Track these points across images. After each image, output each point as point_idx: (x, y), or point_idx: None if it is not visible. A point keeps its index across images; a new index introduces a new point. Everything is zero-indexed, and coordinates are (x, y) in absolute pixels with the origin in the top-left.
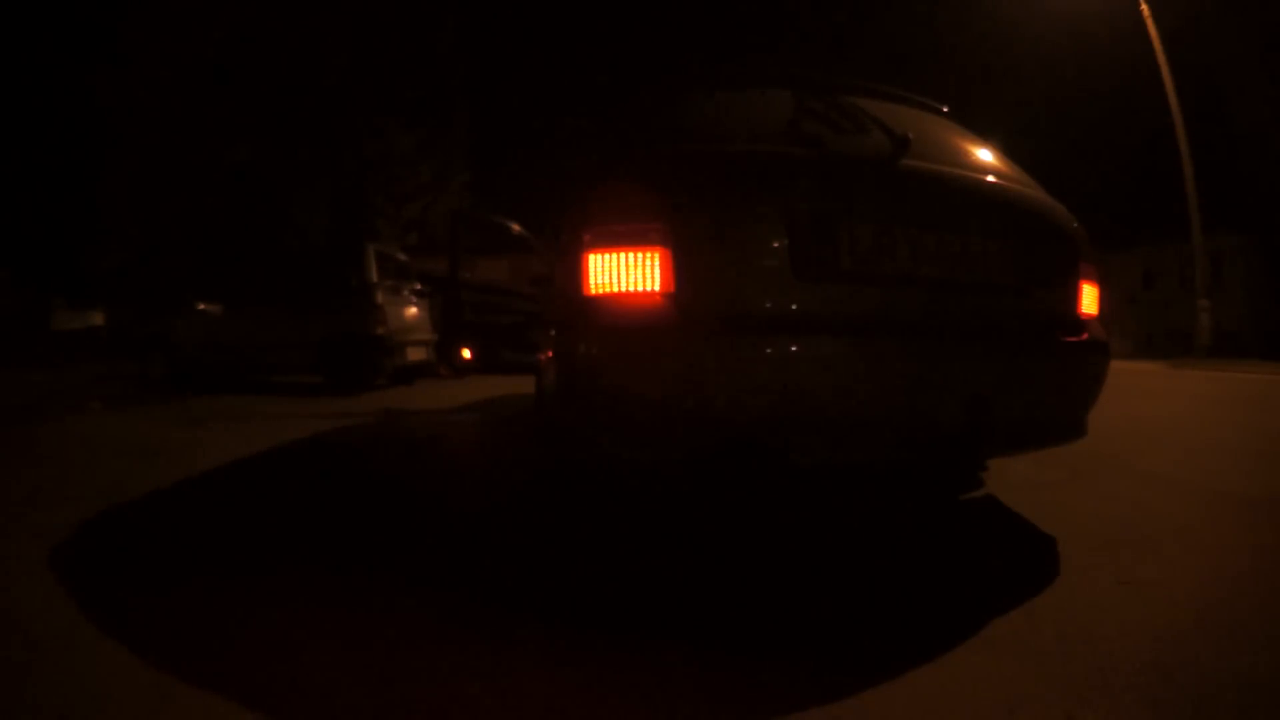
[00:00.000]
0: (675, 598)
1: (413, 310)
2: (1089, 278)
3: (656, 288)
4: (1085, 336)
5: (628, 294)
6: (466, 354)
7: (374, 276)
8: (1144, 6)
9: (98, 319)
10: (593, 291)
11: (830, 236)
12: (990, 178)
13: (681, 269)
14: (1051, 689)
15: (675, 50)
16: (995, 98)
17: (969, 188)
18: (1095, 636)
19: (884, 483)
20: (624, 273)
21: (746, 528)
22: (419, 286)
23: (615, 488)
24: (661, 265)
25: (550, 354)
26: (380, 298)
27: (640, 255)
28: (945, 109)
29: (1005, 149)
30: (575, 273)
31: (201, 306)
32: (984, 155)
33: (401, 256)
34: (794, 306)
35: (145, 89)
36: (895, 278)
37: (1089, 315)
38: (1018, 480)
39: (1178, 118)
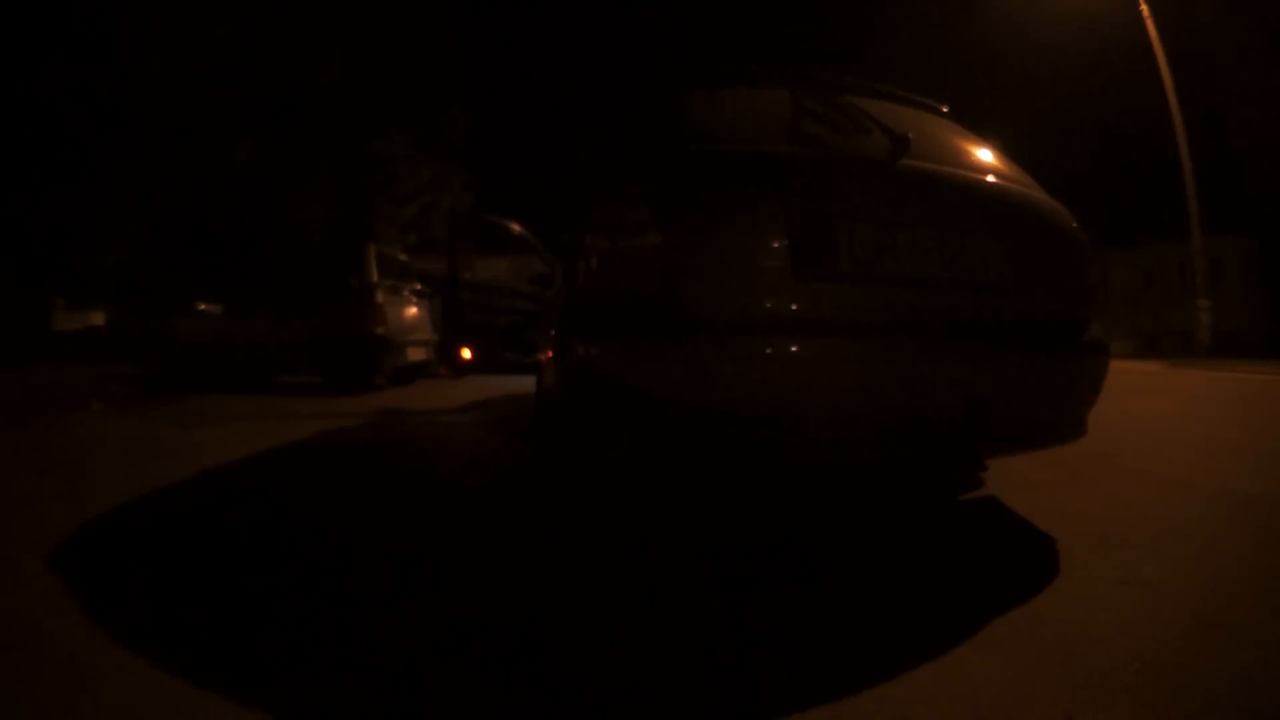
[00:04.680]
0: (674, 596)
1: (413, 310)
2: (1089, 278)
3: (657, 288)
4: (1085, 336)
5: (628, 294)
6: (466, 354)
7: (374, 276)
8: (1144, 6)
9: (98, 319)
10: (593, 292)
11: (830, 237)
12: (990, 178)
13: (682, 269)
14: (1051, 689)
15: (676, 51)
16: (995, 98)
17: (969, 188)
18: (1095, 636)
19: (884, 483)
20: (625, 273)
21: (746, 527)
22: (419, 286)
23: (614, 487)
24: (662, 265)
25: (550, 354)
26: (380, 298)
27: (641, 255)
28: (945, 109)
29: (1005, 149)
30: (576, 272)
31: (201, 306)
32: (984, 155)
33: (401, 256)
34: (794, 307)
35: (146, 89)
36: (895, 278)
37: (1088, 315)
38: (1018, 480)
39: (1178, 118)
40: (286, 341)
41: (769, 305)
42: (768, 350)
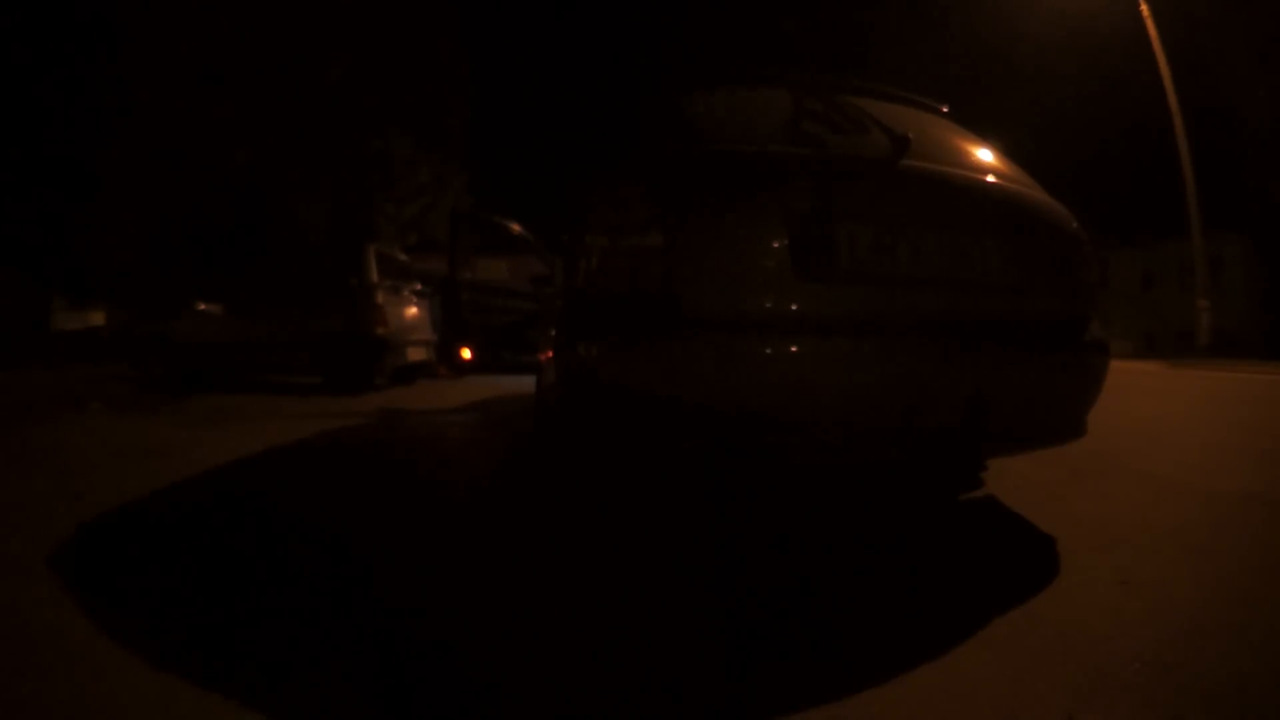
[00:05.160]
0: (674, 596)
1: (413, 310)
2: (1088, 278)
3: (657, 287)
4: (1084, 336)
5: (629, 294)
6: (466, 354)
7: (374, 276)
8: (1144, 6)
9: (98, 319)
10: (593, 291)
11: (830, 237)
12: (990, 178)
13: (681, 268)
14: (1051, 689)
15: (677, 51)
16: (995, 98)
17: (969, 188)
18: (1095, 636)
19: (884, 483)
20: (625, 272)
21: (746, 527)
22: (419, 286)
23: (615, 487)
24: (661, 265)
25: (550, 354)
26: (380, 298)
27: (641, 255)
28: (945, 109)
29: (1005, 149)
30: (576, 272)
31: (201, 306)
32: (984, 155)
33: (401, 256)
34: (794, 306)
35: (146, 89)
36: (895, 278)
37: (1088, 315)
38: (1018, 480)
39: (1177, 118)
40: (286, 341)
41: (769, 305)
42: (767, 350)
